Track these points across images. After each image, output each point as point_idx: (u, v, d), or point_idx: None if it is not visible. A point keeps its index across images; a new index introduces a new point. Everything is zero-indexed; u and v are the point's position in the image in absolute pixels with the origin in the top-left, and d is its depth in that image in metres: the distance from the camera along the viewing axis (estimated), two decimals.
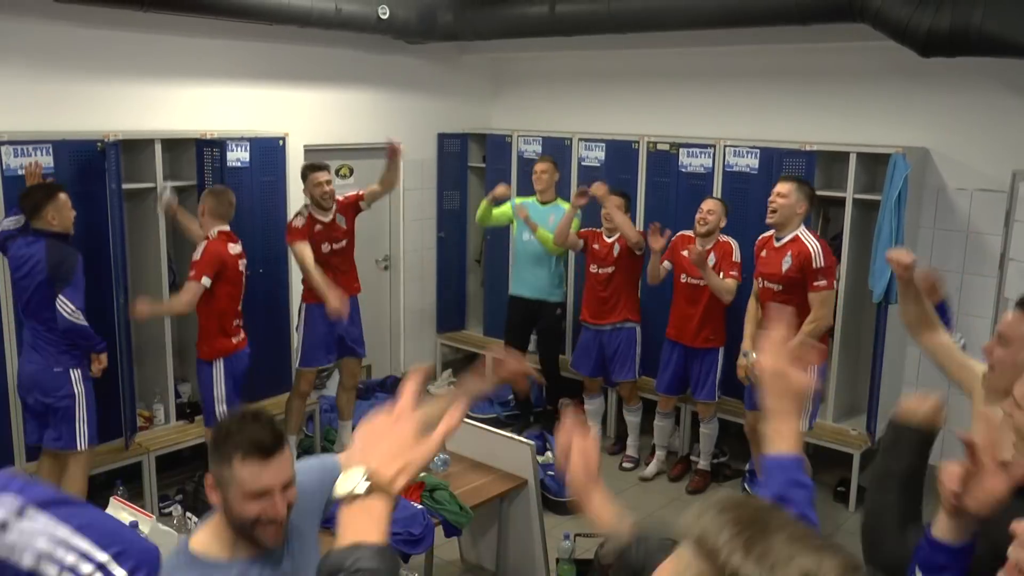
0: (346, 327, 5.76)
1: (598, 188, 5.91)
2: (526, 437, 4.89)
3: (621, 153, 6.73)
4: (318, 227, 5.58)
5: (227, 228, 5.10)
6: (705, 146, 6.31)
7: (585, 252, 6.19)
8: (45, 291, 4.42)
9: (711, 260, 5.52)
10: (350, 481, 1.27)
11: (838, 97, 6.15)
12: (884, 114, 5.94)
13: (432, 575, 4.75)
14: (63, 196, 4.53)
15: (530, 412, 6.69)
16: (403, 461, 1.30)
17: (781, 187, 4.92)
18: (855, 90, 6.07)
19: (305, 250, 5.51)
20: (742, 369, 5.08)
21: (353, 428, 6.06)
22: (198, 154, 5.67)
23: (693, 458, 6.11)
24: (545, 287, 6.43)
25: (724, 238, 5.64)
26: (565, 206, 6.36)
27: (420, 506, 3.91)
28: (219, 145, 5.66)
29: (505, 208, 6.50)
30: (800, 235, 4.90)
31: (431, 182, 7.70)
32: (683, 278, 5.73)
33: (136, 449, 5.33)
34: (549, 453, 5.70)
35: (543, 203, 6.42)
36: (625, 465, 6.24)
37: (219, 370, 5.10)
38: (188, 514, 3.58)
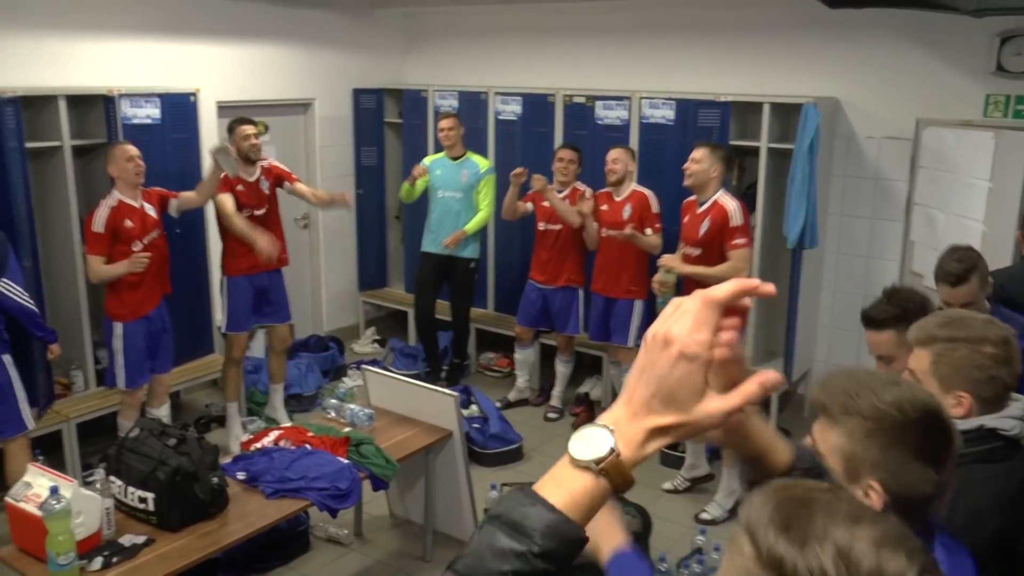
0: (271, 296, 5.71)
1: (537, 182, 5.88)
2: (450, 390, 4.90)
3: (537, 107, 6.74)
4: (240, 188, 5.47)
5: None
6: (621, 98, 6.36)
7: (535, 210, 6.21)
8: None
9: (627, 212, 5.63)
10: (592, 444, 0.97)
11: (751, 49, 6.25)
12: (796, 65, 6.06)
13: (362, 531, 4.80)
14: None
15: (440, 366, 6.74)
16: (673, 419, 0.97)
17: (695, 153, 5.00)
18: (767, 42, 6.18)
19: (226, 199, 5.41)
20: (656, 283, 5.17)
21: (285, 390, 6.07)
22: (106, 111, 5.48)
23: None
24: (459, 244, 6.43)
25: (639, 189, 5.73)
26: (477, 159, 6.44)
27: (346, 460, 3.91)
28: (128, 102, 5.49)
29: (424, 179, 6.47)
30: (719, 199, 4.97)
31: (347, 138, 7.60)
32: (603, 232, 5.82)
33: (54, 417, 5.20)
34: (474, 406, 5.74)
35: (453, 159, 6.44)
36: (550, 415, 6.33)
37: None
38: (112, 478, 3.52)
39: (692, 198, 5.14)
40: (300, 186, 5.77)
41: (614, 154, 5.74)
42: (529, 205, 6.18)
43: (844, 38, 5.86)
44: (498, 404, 6.10)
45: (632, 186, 5.75)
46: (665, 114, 6.17)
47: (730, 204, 4.95)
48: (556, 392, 6.44)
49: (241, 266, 5.57)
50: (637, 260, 5.75)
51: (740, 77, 6.23)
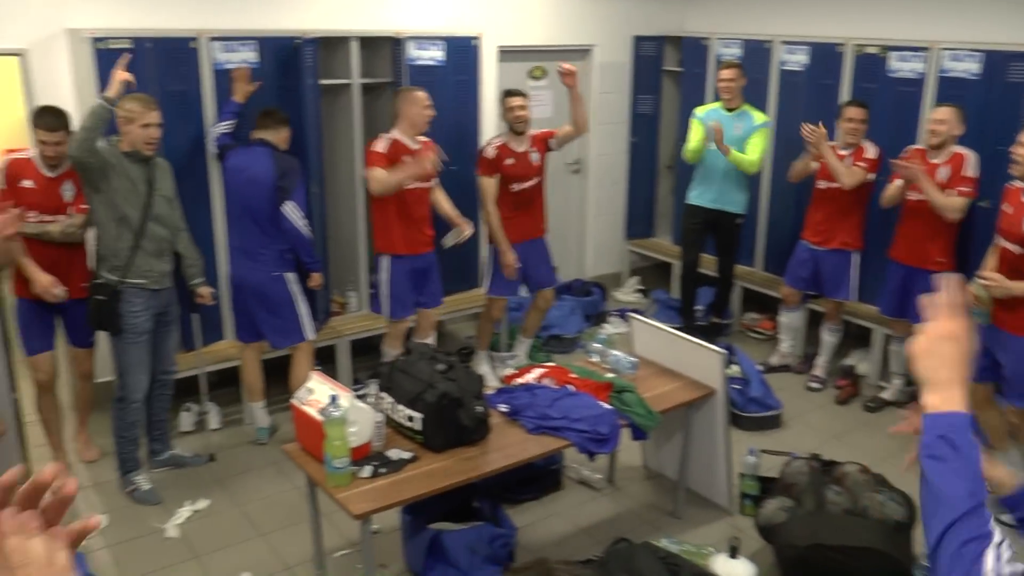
0: (533, 264, 5.78)
1: (811, 134, 5.52)
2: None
3: (825, 57, 6.31)
4: (510, 161, 5.52)
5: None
6: (918, 49, 5.80)
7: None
8: (270, 199, 4.65)
9: (944, 174, 5.11)
10: None
11: None
12: None
13: (614, 478, 4.77)
14: None
15: (692, 323, 6.52)
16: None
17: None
18: None
19: (489, 186, 5.51)
20: (971, 295, 4.42)
21: (545, 331, 6.26)
22: (393, 53, 5.71)
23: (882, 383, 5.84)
24: (728, 198, 6.19)
25: (960, 150, 5.13)
26: (753, 112, 6.13)
27: (608, 406, 3.86)
28: (414, 44, 5.70)
29: (700, 135, 6.22)
30: None
31: (625, 86, 7.50)
32: (912, 195, 5.26)
33: (330, 333, 5.57)
34: (735, 367, 5.53)
35: (728, 110, 6.15)
36: (812, 385, 6.01)
37: None
38: (383, 394, 3.68)
39: (1017, 185, 4.39)
40: (563, 132, 5.68)
41: (941, 113, 5.12)
42: (814, 163, 5.82)
43: None
44: (759, 367, 5.85)
45: (954, 149, 5.13)
46: (969, 67, 5.57)
47: None
48: (820, 361, 6.09)
49: (508, 234, 5.61)
50: (948, 230, 5.17)
51: None
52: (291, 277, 4.84)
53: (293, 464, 3.67)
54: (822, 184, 5.76)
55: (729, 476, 4.47)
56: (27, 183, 4.30)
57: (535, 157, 5.61)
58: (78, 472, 4.80)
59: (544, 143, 5.66)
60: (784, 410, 5.52)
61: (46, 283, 4.27)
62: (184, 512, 4.44)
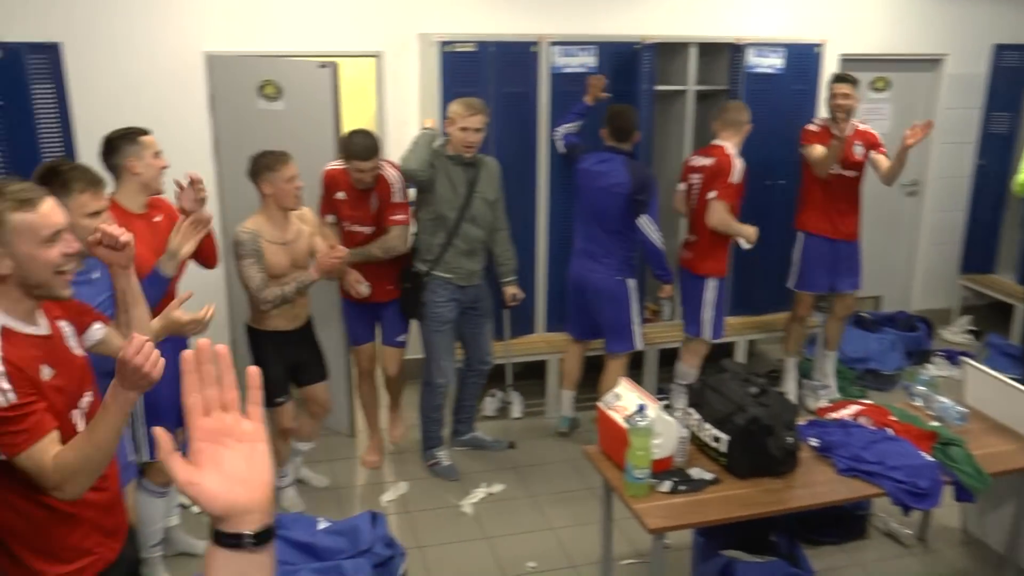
0: (843, 261, 5.49)
1: None
2: None
3: None
4: (832, 141, 5.25)
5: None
6: None
7: None
8: (622, 210, 4.72)
9: None
10: None
11: None
12: None
13: (926, 537, 4.37)
14: None
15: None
16: None
17: None
18: None
19: (815, 150, 5.23)
20: None
21: (862, 364, 5.90)
22: (731, 60, 5.58)
23: None
24: None
25: None
26: None
27: (931, 458, 3.54)
28: (754, 51, 5.57)
29: None
30: None
31: (977, 100, 6.80)
32: None
33: None
34: None
35: None
36: None
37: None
38: (691, 410, 3.59)
39: None
40: (881, 158, 5.30)
41: None
42: None
43: None
44: None
45: None
46: None
47: None
48: None
49: (820, 225, 5.41)
50: None
51: None
52: (631, 284, 4.90)
53: (590, 465, 3.69)
54: None
55: None
56: (340, 195, 4.54)
57: (858, 151, 5.30)
58: (385, 443, 5.13)
59: (871, 141, 5.33)
60: None
61: (352, 279, 4.54)
62: (479, 492, 4.65)
